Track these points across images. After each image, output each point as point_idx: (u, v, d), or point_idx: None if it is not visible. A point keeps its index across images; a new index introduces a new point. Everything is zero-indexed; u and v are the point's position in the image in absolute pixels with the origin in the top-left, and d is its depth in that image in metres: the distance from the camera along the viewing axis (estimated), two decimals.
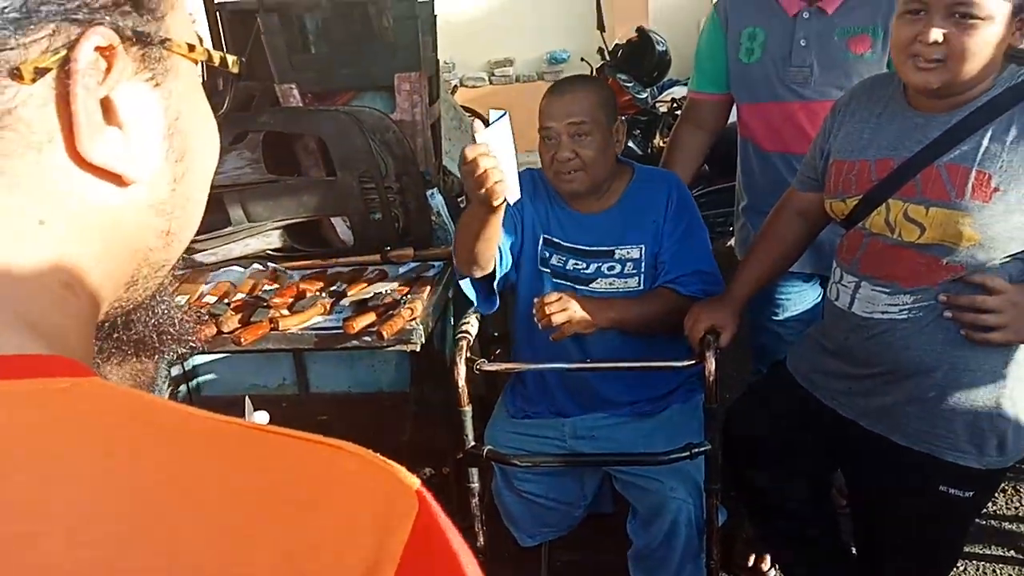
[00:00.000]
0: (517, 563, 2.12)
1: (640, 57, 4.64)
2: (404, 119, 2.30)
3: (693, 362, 1.71)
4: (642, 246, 1.81)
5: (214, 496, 0.33)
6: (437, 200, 2.35)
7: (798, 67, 1.95)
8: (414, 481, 0.37)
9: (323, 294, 2.05)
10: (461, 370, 1.72)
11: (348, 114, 2.21)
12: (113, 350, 0.50)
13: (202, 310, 1.96)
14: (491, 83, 7.14)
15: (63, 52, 0.36)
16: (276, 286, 2.14)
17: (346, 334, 1.84)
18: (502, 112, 1.43)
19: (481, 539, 1.87)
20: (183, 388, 2.42)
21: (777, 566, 2.21)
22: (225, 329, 1.88)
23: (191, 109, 0.44)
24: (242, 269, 2.26)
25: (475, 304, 1.86)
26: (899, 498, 1.56)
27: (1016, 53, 1.36)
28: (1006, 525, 2.36)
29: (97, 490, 0.32)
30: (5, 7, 0.35)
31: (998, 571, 2.21)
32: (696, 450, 1.66)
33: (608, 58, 4.88)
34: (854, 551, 1.80)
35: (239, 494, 0.34)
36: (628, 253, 1.82)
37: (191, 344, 0.54)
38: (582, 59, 5.58)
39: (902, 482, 1.53)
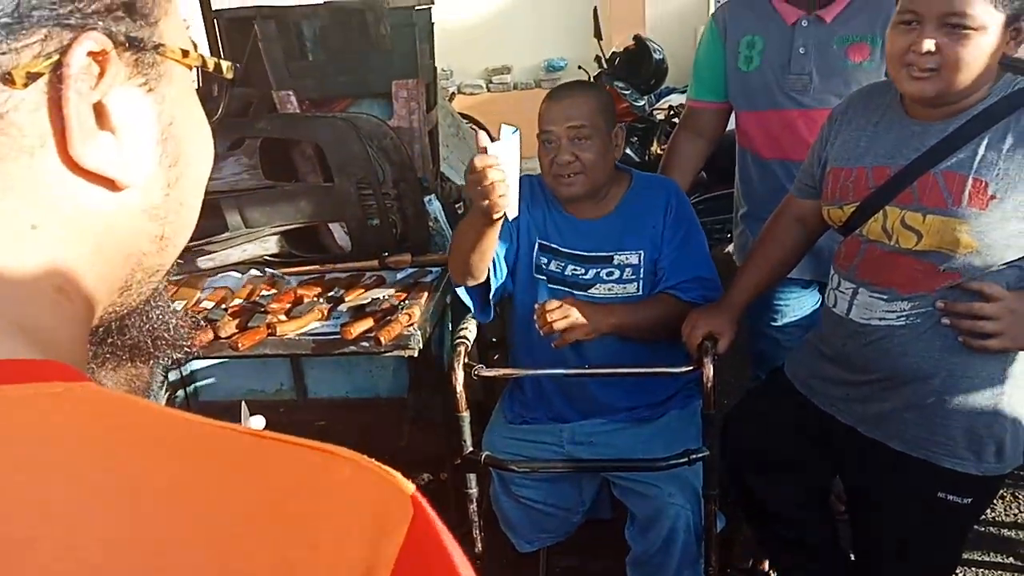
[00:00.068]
0: (515, 569, 2.12)
1: (637, 65, 4.65)
2: (401, 126, 2.30)
3: (691, 368, 1.71)
4: (641, 252, 1.82)
5: (208, 502, 0.33)
6: (434, 206, 2.35)
7: (797, 75, 1.95)
8: (409, 486, 0.37)
9: (321, 300, 2.05)
10: (459, 376, 1.72)
11: (345, 120, 2.21)
12: (107, 355, 0.50)
13: (199, 315, 1.95)
14: (488, 90, 7.16)
15: (55, 57, 0.36)
16: (274, 291, 2.14)
17: (344, 340, 1.84)
18: (514, 129, 1.45)
19: (479, 545, 1.87)
20: (180, 393, 2.41)
21: (775, 572, 2.21)
22: (222, 334, 1.88)
23: (185, 114, 0.44)
24: (240, 274, 2.26)
25: (472, 310, 1.86)
26: (897, 504, 1.55)
27: (1012, 62, 1.37)
28: (1004, 532, 2.36)
29: (91, 495, 0.32)
30: None
31: None
32: (694, 456, 1.66)
33: (605, 66, 4.89)
34: (852, 557, 1.80)
35: (233, 500, 0.34)
36: (627, 259, 1.82)
37: (186, 349, 0.53)
38: (579, 67, 5.59)
39: (900, 488, 1.53)
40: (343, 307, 2.02)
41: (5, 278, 0.37)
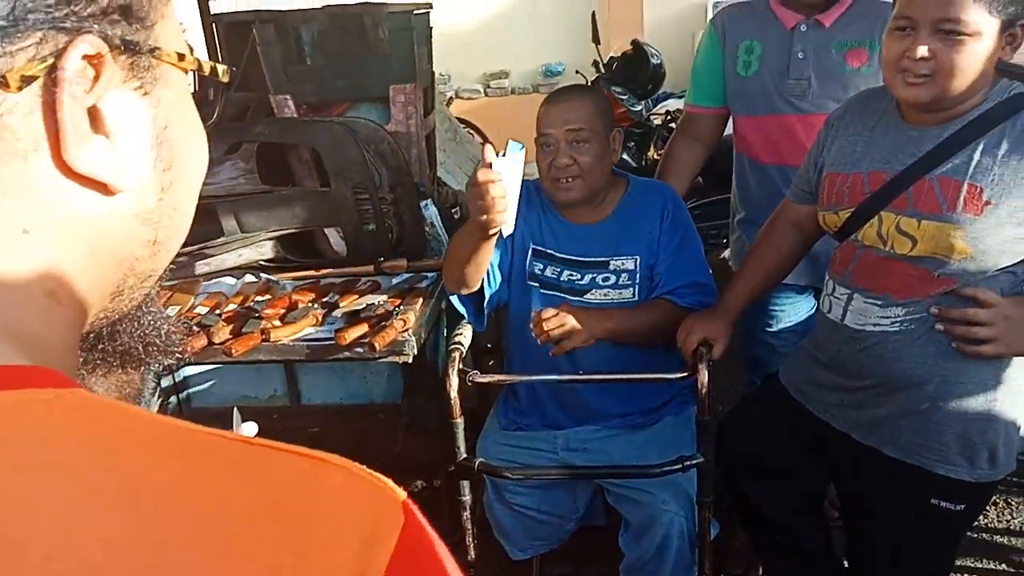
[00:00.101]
0: None
1: (635, 70, 4.67)
2: (399, 130, 2.30)
3: (686, 374, 1.71)
4: (637, 257, 1.81)
5: (197, 509, 0.33)
6: (431, 211, 2.35)
7: (796, 80, 1.96)
8: (400, 493, 0.37)
9: (315, 305, 2.04)
10: (453, 382, 1.71)
11: (343, 125, 2.21)
12: (98, 361, 0.49)
13: (193, 321, 1.95)
14: (486, 95, 7.16)
15: (50, 60, 0.36)
16: (268, 297, 2.14)
17: (338, 345, 1.83)
18: (521, 145, 1.45)
19: (472, 552, 1.86)
20: (173, 399, 2.40)
21: None
22: (216, 340, 1.87)
23: (180, 118, 0.44)
24: (234, 280, 2.26)
25: (467, 317, 1.86)
26: (891, 511, 1.55)
27: (1008, 67, 1.38)
28: (997, 538, 2.36)
29: (91, 495, 0.32)
30: None
31: None
32: (688, 463, 1.66)
33: (603, 71, 4.91)
34: (846, 564, 1.80)
35: (223, 507, 0.33)
36: (623, 264, 1.82)
37: (177, 355, 0.53)
38: (577, 72, 5.61)
39: (894, 495, 1.53)
40: (337, 312, 2.01)
41: None
